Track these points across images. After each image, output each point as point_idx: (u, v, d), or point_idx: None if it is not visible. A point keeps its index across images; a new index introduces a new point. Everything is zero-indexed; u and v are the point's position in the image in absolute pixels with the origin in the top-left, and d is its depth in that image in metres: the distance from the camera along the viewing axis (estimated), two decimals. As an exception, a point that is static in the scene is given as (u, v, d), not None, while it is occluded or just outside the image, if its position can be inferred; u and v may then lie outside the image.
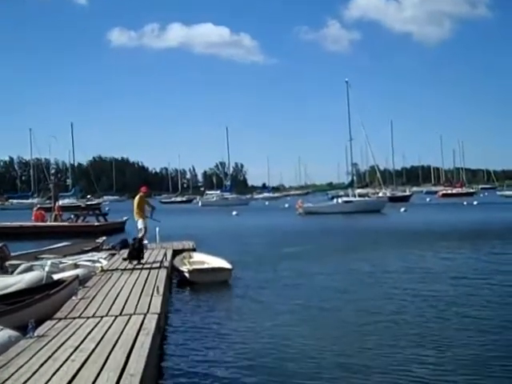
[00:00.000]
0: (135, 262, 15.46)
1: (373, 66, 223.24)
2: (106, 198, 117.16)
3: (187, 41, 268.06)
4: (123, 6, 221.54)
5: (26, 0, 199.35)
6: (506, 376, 7.47)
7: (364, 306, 11.98)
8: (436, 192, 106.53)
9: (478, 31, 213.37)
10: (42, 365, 6.24)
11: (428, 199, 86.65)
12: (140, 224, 17.25)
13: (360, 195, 63.38)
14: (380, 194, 74.29)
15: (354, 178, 67.09)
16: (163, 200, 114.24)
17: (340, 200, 58.41)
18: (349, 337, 9.58)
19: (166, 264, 15.13)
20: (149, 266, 14.91)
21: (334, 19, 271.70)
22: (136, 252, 15.82)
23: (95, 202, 73.33)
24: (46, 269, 13.54)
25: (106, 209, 46.11)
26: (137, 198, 17.78)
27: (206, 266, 16.14)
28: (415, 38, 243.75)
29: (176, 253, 18.11)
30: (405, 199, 78.08)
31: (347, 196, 60.59)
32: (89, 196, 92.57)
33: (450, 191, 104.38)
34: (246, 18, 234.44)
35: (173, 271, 15.74)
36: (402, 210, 54.01)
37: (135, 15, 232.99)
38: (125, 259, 15.89)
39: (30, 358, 6.50)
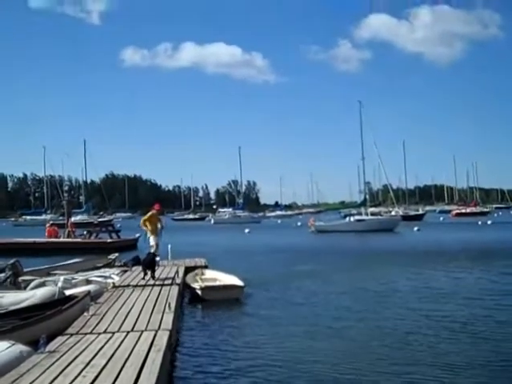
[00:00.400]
0: (148, 277, 15.47)
1: (384, 86, 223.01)
2: (118, 214, 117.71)
3: (200, 60, 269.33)
4: (136, 25, 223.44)
5: (40, 19, 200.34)
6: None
7: (376, 325, 11.89)
8: (450, 211, 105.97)
9: (489, 52, 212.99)
10: (53, 380, 6.23)
11: (441, 218, 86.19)
12: (152, 240, 17.31)
13: (372, 214, 63.12)
14: (393, 213, 73.98)
15: (367, 196, 66.83)
16: (176, 217, 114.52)
17: (352, 219, 58.20)
18: (360, 357, 9.47)
19: (178, 281, 15.10)
20: (161, 282, 14.89)
21: (345, 39, 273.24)
22: (149, 263, 15.90)
23: (106, 218, 73.37)
24: (59, 284, 13.59)
25: (118, 225, 46.19)
26: (149, 213, 17.85)
27: (217, 283, 16.12)
28: (426, 59, 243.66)
29: (188, 270, 18.09)
30: (418, 218, 77.75)
31: (360, 214, 60.39)
32: (101, 213, 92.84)
33: (463, 210, 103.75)
34: (257, 36, 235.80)
35: (185, 288, 15.72)
36: (416, 229, 53.70)
37: (148, 34, 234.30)
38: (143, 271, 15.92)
39: (42, 374, 6.49)
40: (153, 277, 15.78)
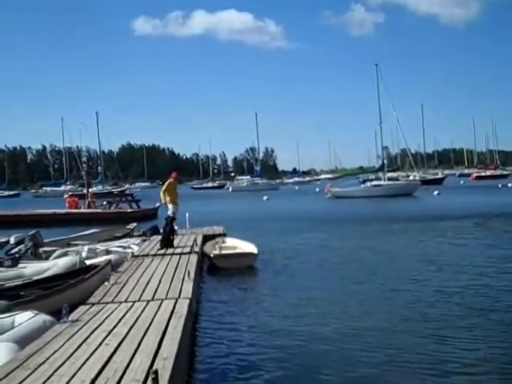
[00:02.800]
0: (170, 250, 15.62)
1: (400, 49, 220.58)
2: (137, 184, 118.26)
3: (211, 27, 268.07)
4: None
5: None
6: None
7: (396, 291, 11.88)
8: (469, 175, 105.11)
9: (504, 10, 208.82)
10: (77, 349, 6.31)
11: (462, 182, 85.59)
12: (170, 209, 17.34)
13: (390, 179, 62.80)
14: (411, 178, 73.55)
15: (385, 161, 66.41)
16: (195, 186, 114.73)
17: (369, 184, 57.92)
18: (385, 325, 9.42)
19: (197, 249, 15.21)
20: (179, 251, 15.00)
21: (358, 3, 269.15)
22: (168, 236, 16.01)
23: (122, 188, 73.46)
24: (82, 254, 13.76)
25: (135, 195, 46.25)
26: (166, 183, 17.86)
27: (231, 251, 16.21)
28: (441, 20, 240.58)
29: (206, 238, 18.17)
30: (438, 182, 77.25)
31: (378, 180, 60.11)
32: (120, 183, 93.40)
33: (483, 174, 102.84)
34: (268, 2, 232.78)
35: (203, 256, 15.84)
36: (435, 193, 53.37)
37: (158, 3, 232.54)
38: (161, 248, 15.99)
39: (65, 343, 6.59)
40: (172, 245, 15.95)
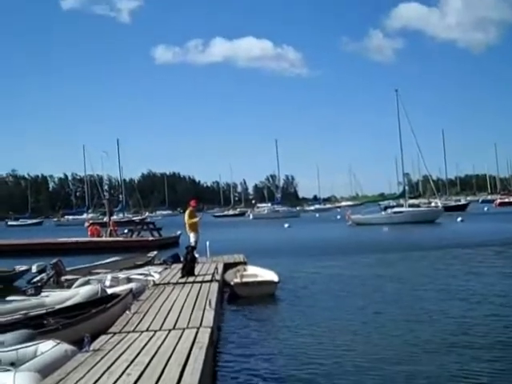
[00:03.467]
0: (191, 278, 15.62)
1: (420, 75, 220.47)
2: (158, 212, 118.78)
3: (231, 55, 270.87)
4: (165, 22, 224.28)
5: (72, 18, 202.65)
6: None
7: (416, 322, 11.72)
8: (492, 201, 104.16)
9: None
10: (99, 379, 6.30)
11: (486, 208, 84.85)
12: (192, 238, 17.44)
13: (412, 205, 62.41)
14: (433, 204, 73.04)
15: (406, 187, 66.13)
16: (216, 214, 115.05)
17: (390, 211, 57.67)
18: (404, 352, 9.39)
19: (218, 277, 15.18)
20: (200, 279, 14.98)
21: (377, 29, 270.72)
22: (189, 265, 16.02)
23: (143, 216, 73.60)
24: (105, 283, 13.81)
25: (154, 222, 46.31)
26: (187, 212, 18.02)
27: (252, 279, 16.16)
28: (460, 45, 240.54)
29: (227, 266, 18.14)
30: (461, 208, 76.67)
31: (399, 206, 59.81)
32: (142, 211, 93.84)
33: (506, 200, 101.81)
34: (287, 29, 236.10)
35: (224, 285, 15.80)
36: (459, 219, 52.91)
37: (178, 32, 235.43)
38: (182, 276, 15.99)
39: (87, 372, 6.58)
40: (193, 273, 15.95)
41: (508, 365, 8.41)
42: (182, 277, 15.66)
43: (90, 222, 45.29)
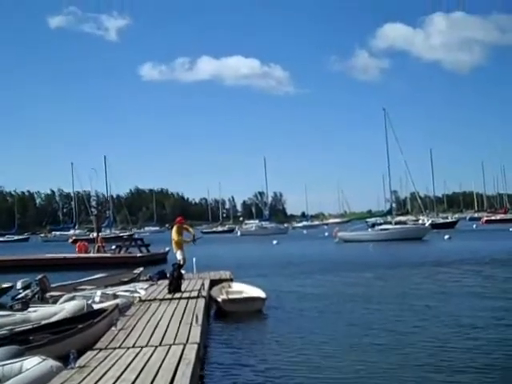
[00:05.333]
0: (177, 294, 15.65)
1: (406, 94, 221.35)
2: (146, 228, 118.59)
3: (218, 73, 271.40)
4: (152, 40, 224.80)
5: (60, 37, 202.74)
6: None
7: (405, 336, 11.78)
8: (479, 218, 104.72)
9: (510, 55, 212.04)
10: (84, 396, 6.28)
11: (474, 226, 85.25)
12: (179, 255, 17.45)
13: (399, 222, 62.67)
14: (420, 222, 73.35)
15: (393, 205, 66.48)
16: (204, 230, 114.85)
17: (377, 228, 57.85)
18: (388, 368, 9.42)
19: (204, 294, 15.14)
20: (187, 295, 14.93)
21: (363, 49, 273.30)
22: (176, 281, 16.02)
23: (129, 233, 73.34)
24: (89, 299, 13.75)
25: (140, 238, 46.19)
26: (174, 229, 18.05)
27: (239, 295, 16.16)
28: (445, 65, 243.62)
29: (213, 283, 18.10)
30: (450, 226, 76.99)
31: (387, 223, 60.06)
32: (130, 227, 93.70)
33: (493, 217, 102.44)
34: (275, 48, 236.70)
35: (210, 301, 15.77)
36: (446, 237, 53.00)
37: (165, 50, 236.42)
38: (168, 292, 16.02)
39: (72, 389, 6.55)
40: (179, 290, 15.96)
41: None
42: (169, 293, 15.66)
43: (74, 238, 45.12)
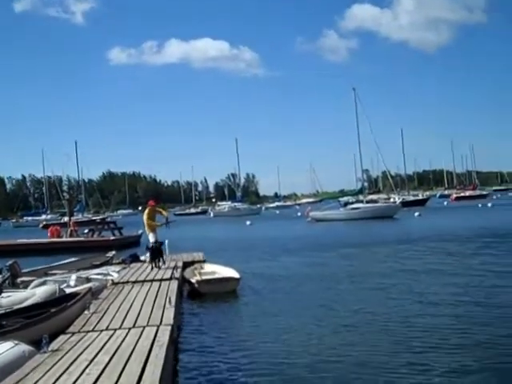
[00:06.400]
0: (156, 267, 16.50)
1: (375, 74, 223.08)
2: (119, 212, 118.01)
3: (187, 56, 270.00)
4: (120, 24, 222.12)
5: (25, 21, 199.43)
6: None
7: (371, 312, 11.99)
8: (449, 195, 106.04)
9: (476, 36, 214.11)
10: (58, 379, 6.24)
11: (445, 203, 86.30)
12: (151, 237, 17.52)
13: (370, 201, 63.19)
14: (392, 200, 73.99)
15: (365, 184, 67.04)
16: (177, 212, 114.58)
17: (348, 207, 58.31)
18: (358, 340, 9.61)
19: (177, 275, 15.15)
20: (159, 277, 14.94)
21: (331, 29, 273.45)
22: (157, 252, 16.58)
23: (101, 216, 72.87)
24: (61, 283, 13.66)
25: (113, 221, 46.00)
26: (145, 212, 18.11)
27: (213, 276, 16.23)
28: (412, 45, 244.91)
29: (186, 265, 18.14)
30: (421, 203, 77.83)
31: (359, 202, 60.54)
32: (103, 211, 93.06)
33: (462, 194, 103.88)
34: (244, 30, 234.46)
35: (183, 283, 15.80)
36: (417, 214, 53.68)
37: (132, 33, 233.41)
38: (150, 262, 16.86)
39: (45, 373, 6.51)
40: (163, 262, 16.66)
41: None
42: (151, 261, 16.67)
43: (44, 223, 44.66)
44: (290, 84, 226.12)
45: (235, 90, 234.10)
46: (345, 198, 69.20)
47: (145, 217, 18.05)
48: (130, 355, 7.08)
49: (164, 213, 18.93)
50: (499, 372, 7.70)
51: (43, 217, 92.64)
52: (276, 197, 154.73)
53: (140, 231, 33.87)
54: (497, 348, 8.79)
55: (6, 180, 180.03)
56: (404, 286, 15.18)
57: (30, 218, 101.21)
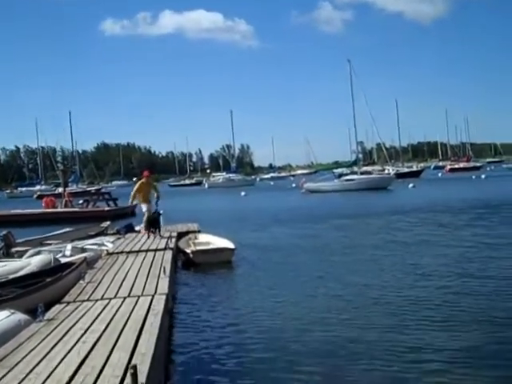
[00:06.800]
0: (152, 236, 16.77)
1: (370, 46, 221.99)
2: (113, 183, 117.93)
3: (181, 27, 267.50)
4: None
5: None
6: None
7: (364, 284, 12.02)
8: (443, 167, 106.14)
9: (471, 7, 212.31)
10: (53, 347, 6.30)
11: (440, 174, 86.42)
12: (144, 208, 17.60)
13: (365, 172, 63.24)
14: (386, 171, 74.10)
15: (360, 155, 66.99)
16: (172, 183, 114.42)
17: (343, 178, 58.35)
18: (356, 314, 9.64)
19: (172, 246, 15.22)
20: (154, 247, 15.01)
21: (325, 1, 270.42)
22: (153, 221, 16.83)
23: (96, 187, 72.79)
24: (56, 253, 13.70)
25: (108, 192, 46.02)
26: (138, 183, 18.14)
27: (208, 246, 16.26)
28: (408, 17, 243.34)
29: (181, 235, 18.19)
30: (415, 175, 77.90)
31: (353, 174, 60.59)
32: (98, 182, 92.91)
33: (456, 166, 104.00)
34: (237, 2, 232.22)
35: (178, 253, 15.84)
36: (411, 186, 53.80)
37: (125, 5, 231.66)
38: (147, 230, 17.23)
39: (41, 342, 6.57)
40: (159, 233, 16.84)
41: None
42: (147, 228, 17.10)
43: (38, 193, 44.58)
44: (285, 56, 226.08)
45: (230, 61, 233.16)
46: (339, 170, 69.33)
47: (136, 188, 18.11)
48: (125, 324, 7.14)
49: (157, 190, 18.64)
50: (493, 343, 7.74)
51: (37, 187, 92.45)
52: (271, 168, 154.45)
53: (135, 202, 33.82)
54: (490, 319, 8.84)
55: (0, 151, 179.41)
56: (396, 257, 15.24)
57: (24, 189, 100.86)
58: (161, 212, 17.98)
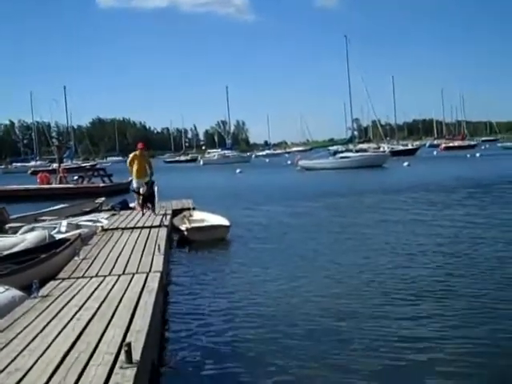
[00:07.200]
0: (146, 211, 16.80)
1: (366, 21, 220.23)
2: (109, 159, 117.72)
3: (175, 0, 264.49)
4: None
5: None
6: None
7: (360, 262, 12.04)
8: (439, 145, 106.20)
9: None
10: (48, 324, 6.31)
11: (435, 152, 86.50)
12: (135, 183, 17.43)
13: (360, 150, 63.24)
14: (381, 149, 74.11)
15: (355, 133, 66.88)
16: (167, 159, 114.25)
17: (338, 156, 58.37)
18: (348, 292, 9.68)
19: (166, 223, 15.21)
20: (149, 224, 15.00)
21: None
22: (148, 196, 16.92)
23: (91, 163, 72.60)
24: (50, 229, 13.70)
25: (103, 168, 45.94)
26: (131, 154, 17.90)
27: (203, 223, 16.24)
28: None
29: (175, 212, 18.18)
30: (411, 153, 77.99)
31: (349, 151, 60.57)
32: (92, 157, 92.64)
33: (451, 144, 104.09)
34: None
35: (173, 230, 15.86)
36: (405, 164, 53.85)
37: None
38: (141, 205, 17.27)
39: (36, 318, 6.58)
40: (153, 210, 16.69)
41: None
42: (141, 205, 16.96)
43: (32, 169, 44.42)
44: (281, 31, 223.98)
45: (225, 36, 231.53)
46: (334, 147, 69.19)
47: (130, 160, 17.94)
48: (120, 301, 7.16)
49: (151, 167, 18.34)
50: (483, 322, 7.80)
51: (32, 163, 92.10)
52: (266, 145, 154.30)
53: (130, 178, 33.78)
54: (480, 298, 8.89)
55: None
56: (389, 236, 15.20)
57: (18, 165, 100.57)
58: (154, 180, 17.63)
